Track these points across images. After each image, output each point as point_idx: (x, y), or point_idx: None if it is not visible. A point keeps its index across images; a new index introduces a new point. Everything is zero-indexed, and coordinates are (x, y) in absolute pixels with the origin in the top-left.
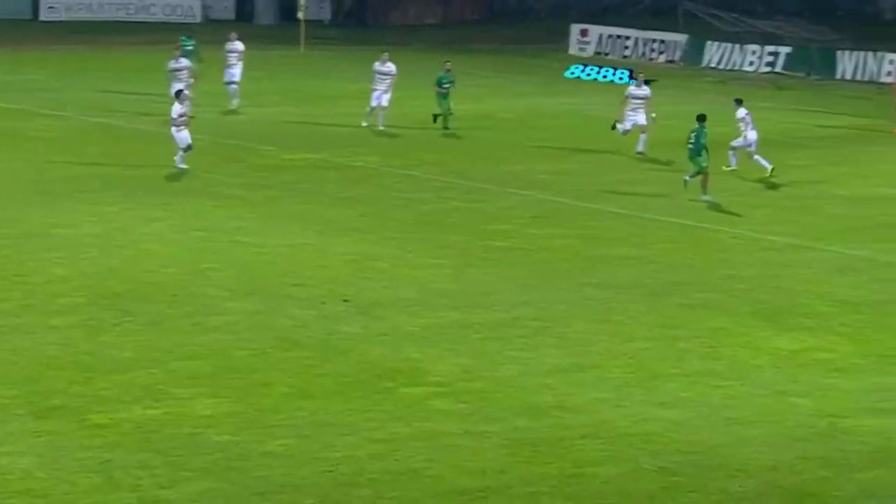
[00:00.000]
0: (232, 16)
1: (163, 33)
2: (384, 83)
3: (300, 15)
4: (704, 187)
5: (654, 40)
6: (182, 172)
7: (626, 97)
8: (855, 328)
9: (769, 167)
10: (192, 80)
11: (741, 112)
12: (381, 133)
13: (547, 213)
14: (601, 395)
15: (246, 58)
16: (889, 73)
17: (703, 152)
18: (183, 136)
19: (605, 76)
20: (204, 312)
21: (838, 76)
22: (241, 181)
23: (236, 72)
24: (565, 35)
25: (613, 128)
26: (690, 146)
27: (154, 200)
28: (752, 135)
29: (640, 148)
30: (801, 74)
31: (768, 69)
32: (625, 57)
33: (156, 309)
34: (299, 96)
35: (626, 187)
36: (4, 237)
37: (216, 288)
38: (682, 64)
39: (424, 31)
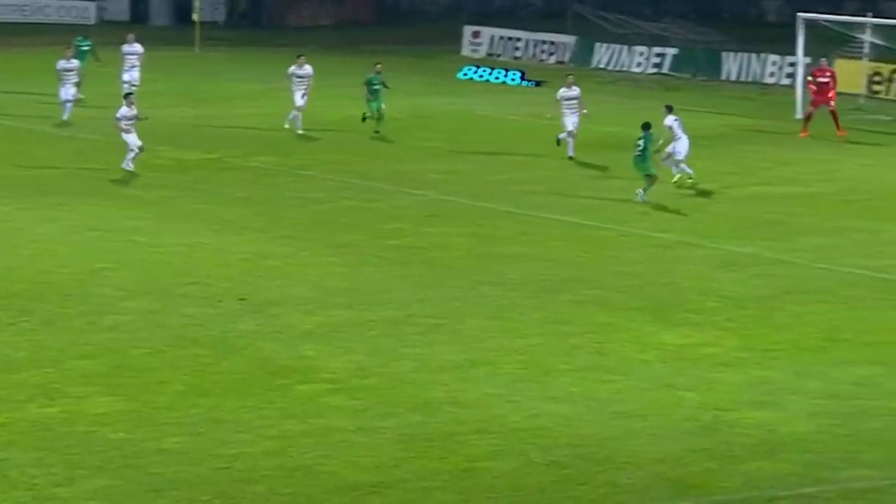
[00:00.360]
0: (127, 17)
1: (58, 35)
2: (302, 87)
3: (195, 16)
4: (648, 187)
5: (544, 42)
6: (77, 173)
7: (558, 100)
8: (740, 323)
9: (690, 172)
10: (78, 79)
11: (669, 119)
12: (291, 134)
13: (441, 212)
14: (494, 391)
15: (143, 59)
16: (772, 75)
17: (649, 159)
18: (131, 138)
19: (497, 77)
20: (99, 312)
21: (723, 77)
22: (137, 181)
23: (136, 74)
24: (458, 36)
25: (558, 143)
26: (637, 154)
27: (50, 201)
28: (683, 143)
29: (570, 153)
30: (688, 75)
31: (655, 70)
32: (516, 58)
33: (51, 308)
34: (195, 97)
35: (518, 186)
36: None
37: (112, 287)
38: (571, 65)
39: (319, 32)
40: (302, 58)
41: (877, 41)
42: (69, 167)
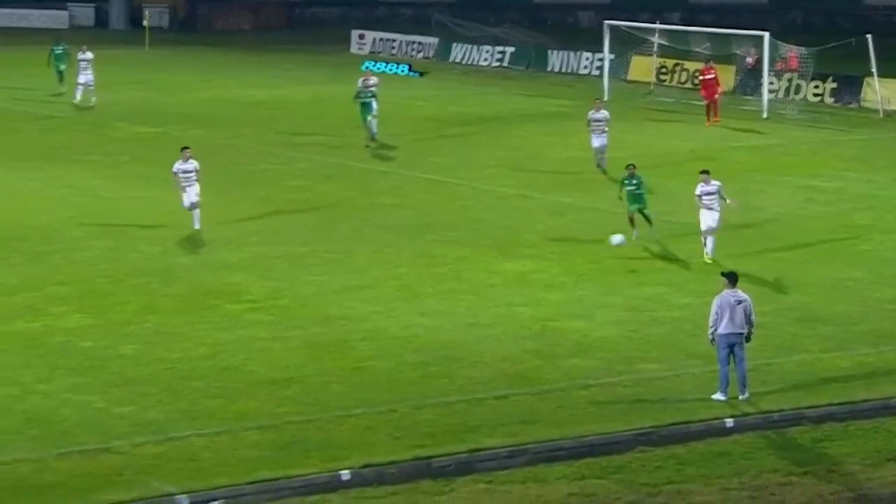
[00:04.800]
0: (92, 23)
1: (40, 36)
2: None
3: (145, 22)
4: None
5: (414, 42)
6: (50, 141)
7: (588, 121)
8: (561, 255)
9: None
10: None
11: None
12: (221, 111)
13: (334, 172)
14: (376, 308)
15: (98, 62)
16: (585, 67)
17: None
18: (186, 196)
19: (390, 69)
20: (72, 249)
21: (549, 69)
22: (100, 150)
23: (90, 76)
24: (347, 38)
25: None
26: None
27: (29, 165)
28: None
29: (603, 165)
30: (522, 68)
31: (498, 64)
32: (392, 55)
33: (34, 247)
34: (145, 85)
35: (392, 152)
36: None
37: (80, 231)
38: (434, 60)
39: (240, 35)
40: (371, 78)
41: (663, 42)
42: (47, 139)
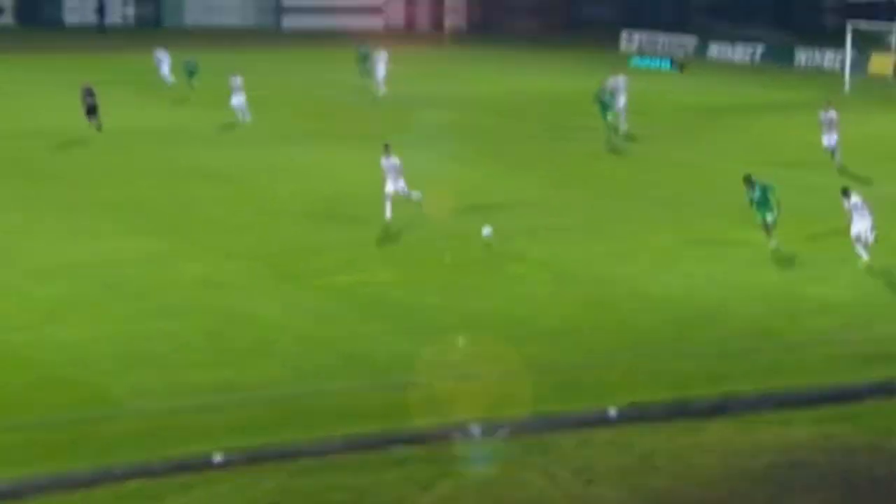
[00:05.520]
0: (402, 24)
1: (350, 38)
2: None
3: (446, 24)
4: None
5: (675, 40)
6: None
7: (821, 122)
8: (802, 227)
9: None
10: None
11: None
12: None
13: (602, 154)
14: (639, 270)
15: (405, 58)
16: (829, 63)
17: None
18: (388, 185)
19: (654, 64)
20: (382, 215)
21: (796, 65)
22: (404, 133)
23: (383, 72)
24: (617, 38)
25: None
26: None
27: (348, 145)
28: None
29: (837, 159)
30: (771, 64)
31: (750, 60)
32: (656, 51)
33: (352, 213)
34: (444, 78)
35: (648, 138)
36: (257, 168)
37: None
38: (693, 57)
39: (528, 35)
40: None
41: None
42: (393, 125)
